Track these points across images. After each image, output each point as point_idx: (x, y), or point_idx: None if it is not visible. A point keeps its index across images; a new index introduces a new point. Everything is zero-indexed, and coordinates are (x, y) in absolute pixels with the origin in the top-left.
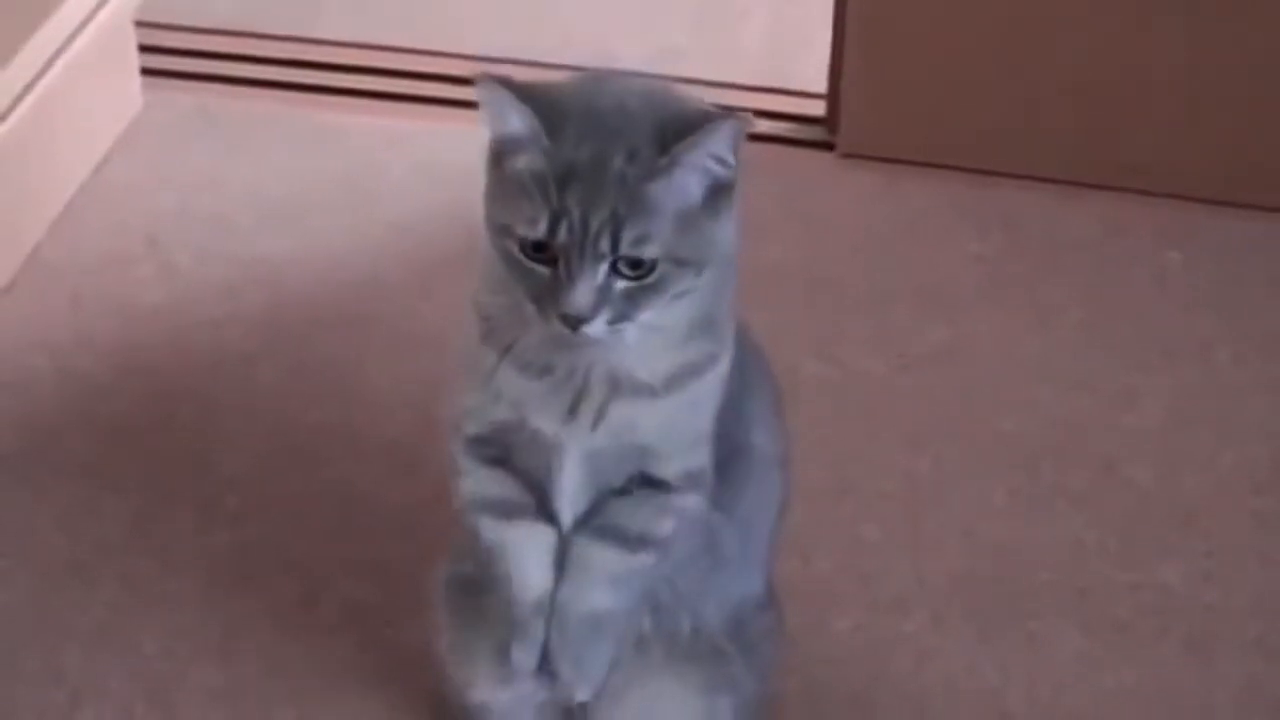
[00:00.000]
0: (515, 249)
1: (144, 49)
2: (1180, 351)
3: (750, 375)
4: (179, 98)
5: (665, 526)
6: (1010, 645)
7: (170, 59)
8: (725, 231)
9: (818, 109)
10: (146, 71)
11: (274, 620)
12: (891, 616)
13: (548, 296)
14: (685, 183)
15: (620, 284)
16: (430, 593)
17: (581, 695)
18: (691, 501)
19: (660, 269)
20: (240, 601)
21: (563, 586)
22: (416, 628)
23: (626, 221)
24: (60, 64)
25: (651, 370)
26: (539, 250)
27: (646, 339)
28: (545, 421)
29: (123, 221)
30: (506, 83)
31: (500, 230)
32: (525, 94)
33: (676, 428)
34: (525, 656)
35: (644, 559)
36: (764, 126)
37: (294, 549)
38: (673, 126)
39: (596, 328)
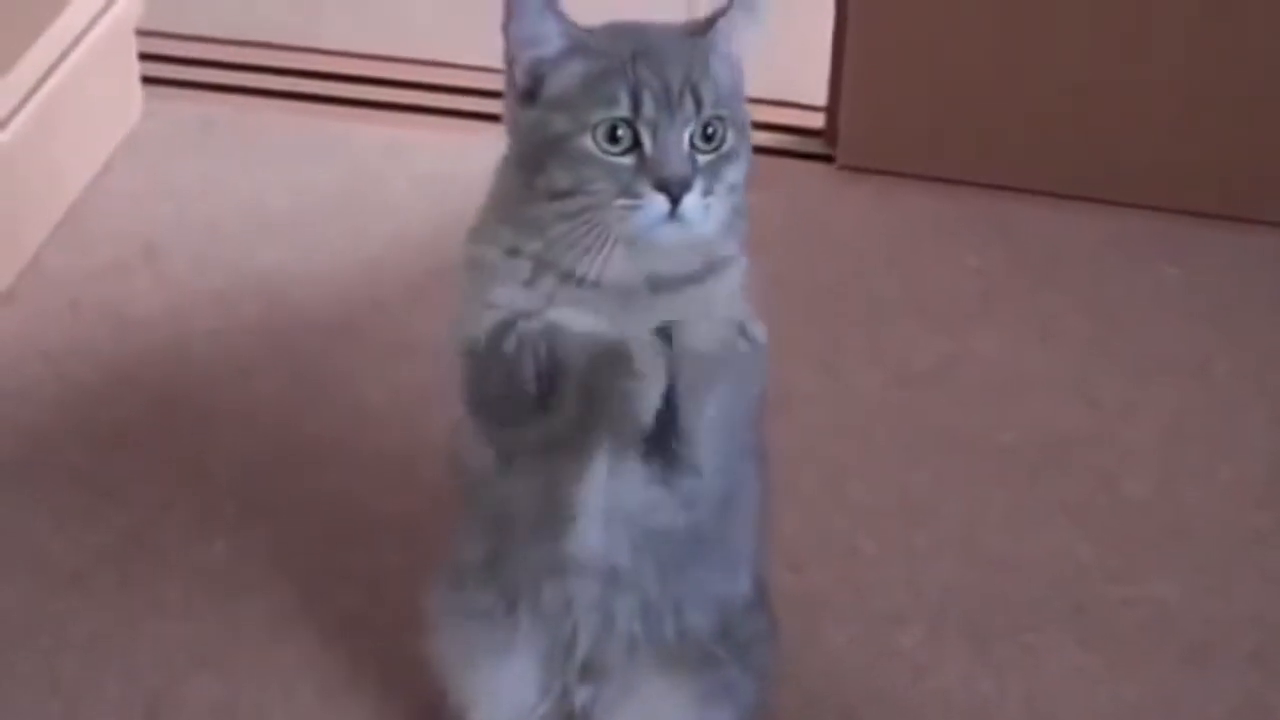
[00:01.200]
0: (591, 144)
1: (145, 57)
2: (1179, 366)
3: None
4: (179, 106)
5: (759, 331)
6: (1006, 659)
7: (171, 68)
8: (747, 119)
9: (817, 122)
10: (147, 80)
11: (270, 629)
12: (887, 630)
13: (636, 178)
14: (723, 65)
15: (701, 157)
16: (424, 613)
17: (697, 457)
18: (760, 328)
19: (730, 138)
20: (237, 610)
21: (674, 340)
22: (412, 638)
23: (701, 84)
24: (61, 72)
25: (685, 266)
26: (614, 142)
27: (715, 229)
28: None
29: (122, 230)
30: None
31: (566, 133)
32: (555, 7)
33: (722, 305)
34: (644, 400)
35: (750, 346)
36: (763, 139)
37: (290, 558)
38: (704, 16)
39: (694, 200)
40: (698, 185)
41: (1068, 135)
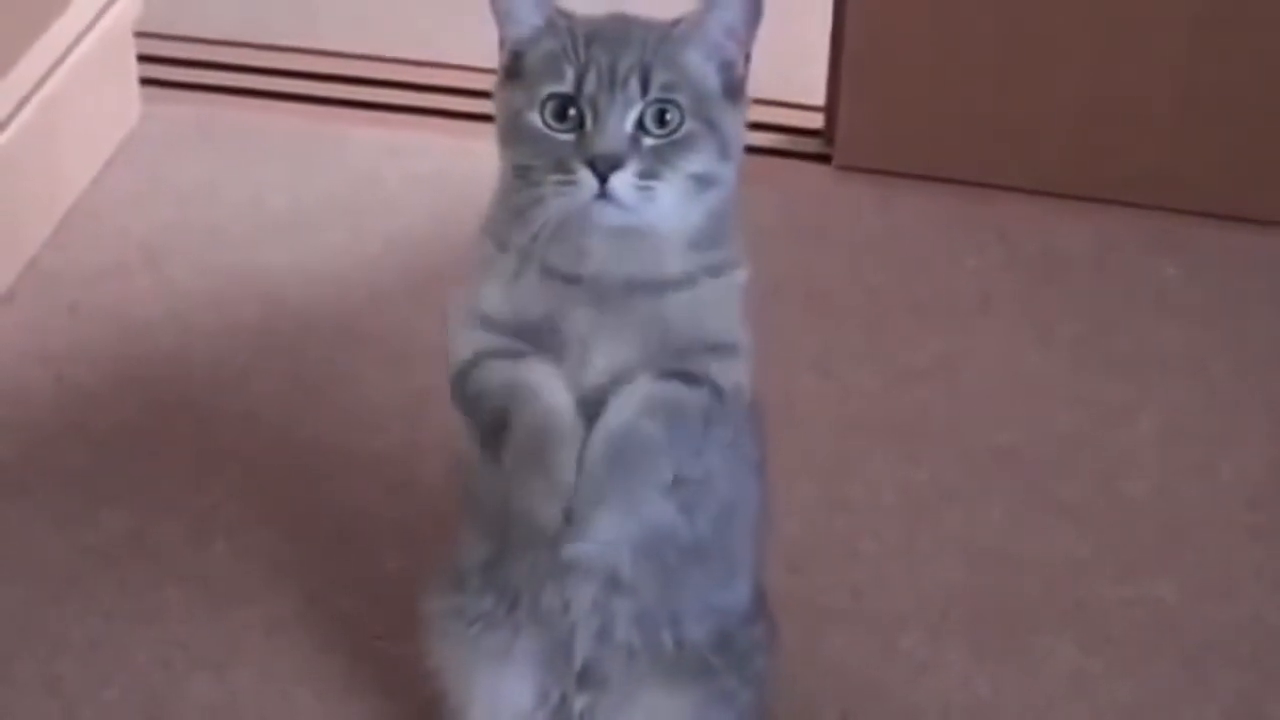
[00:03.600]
0: (538, 120)
1: (143, 59)
2: (1177, 365)
3: None
4: (178, 108)
5: (726, 375)
6: (1005, 660)
7: (169, 69)
8: (739, 128)
9: (815, 121)
10: (146, 81)
11: (269, 632)
12: (886, 630)
13: (573, 152)
14: (704, 61)
15: (648, 140)
16: (424, 618)
17: (588, 532)
18: (736, 365)
19: (687, 126)
20: (235, 613)
21: (603, 417)
22: (412, 642)
23: (655, 68)
24: (60, 74)
25: (667, 269)
26: (562, 119)
27: (660, 240)
28: (570, 326)
29: (121, 232)
30: None
31: (520, 109)
32: None
33: (703, 313)
34: (551, 504)
35: (699, 397)
36: (761, 139)
37: (289, 562)
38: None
39: (625, 181)
40: (630, 166)
41: (1066, 135)
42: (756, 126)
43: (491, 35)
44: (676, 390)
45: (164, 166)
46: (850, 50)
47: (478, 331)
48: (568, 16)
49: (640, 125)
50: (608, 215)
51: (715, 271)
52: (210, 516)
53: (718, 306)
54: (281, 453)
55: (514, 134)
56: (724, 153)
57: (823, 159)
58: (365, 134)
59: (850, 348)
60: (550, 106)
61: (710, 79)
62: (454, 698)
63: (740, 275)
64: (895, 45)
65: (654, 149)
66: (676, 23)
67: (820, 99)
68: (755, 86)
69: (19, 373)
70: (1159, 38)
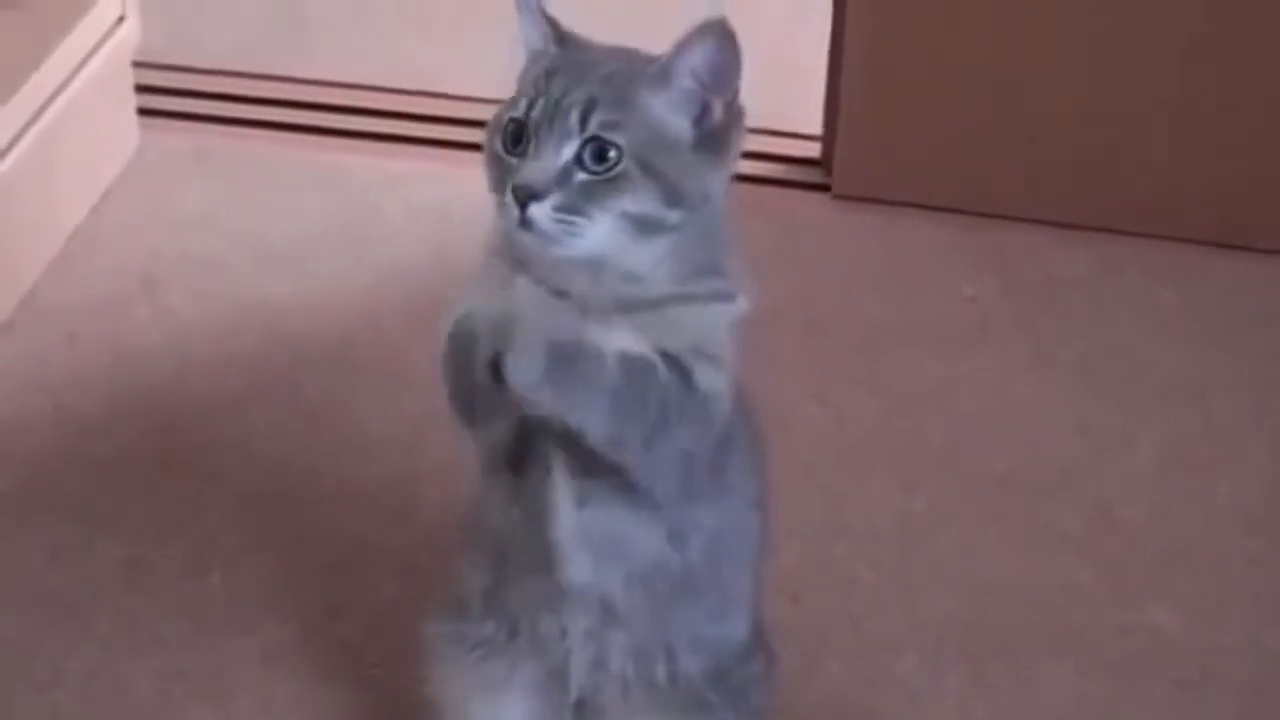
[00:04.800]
0: (498, 143)
1: (141, 89)
2: (1175, 392)
3: (734, 415)
4: (176, 138)
5: (703, 375)
6: (1003, 686)
7: (168, 99)
8: (713, 180)
9: (813, 151)
10: (144, 111)
11: (267, 662)
12: (884, 658)
13: (507, 174)
14: (671, 108)
15: (581, 175)
16: (424, 644)
17: (522, 376)
18: (719, 376)
19: (625, 168)
20: (233, 643)
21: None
22: (410, 670)
23: (600, 105)
24: (58, 104)
25: (654, 292)
26: (515, 143)
27: (623, 268)
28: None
29: (119, 261)
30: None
31: (492, 131)
32: (547, 14)
33: (692, 330)
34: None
35: (667, 375)
36: (759, 168)
37: (288, 590)
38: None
39: (544, 211)
40: (550, 199)
41: (1064, 163)
42: (754, 156)
43: (491, 66)
44: (651, 358)
45: (162, 196)
46: (848, 79)
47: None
48: (563, 42)
49: (580, 160)
50: (529, 242)
51: (704, 299)
52: (208, 545)
53: (705, 324)
54: (279, 481)
55: (485, 152)
56: (671, 200)
57: (821, 188)
58: (364, 164)
59: (848, 375)
60: (508, 131)
61: (677, 128)
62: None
63: (736, 305)
64: (893, 74)
65: (583, 185)
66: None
67: (818, 128)
68: (754, 116)
69: (17, 402)
70: (1156, 66)
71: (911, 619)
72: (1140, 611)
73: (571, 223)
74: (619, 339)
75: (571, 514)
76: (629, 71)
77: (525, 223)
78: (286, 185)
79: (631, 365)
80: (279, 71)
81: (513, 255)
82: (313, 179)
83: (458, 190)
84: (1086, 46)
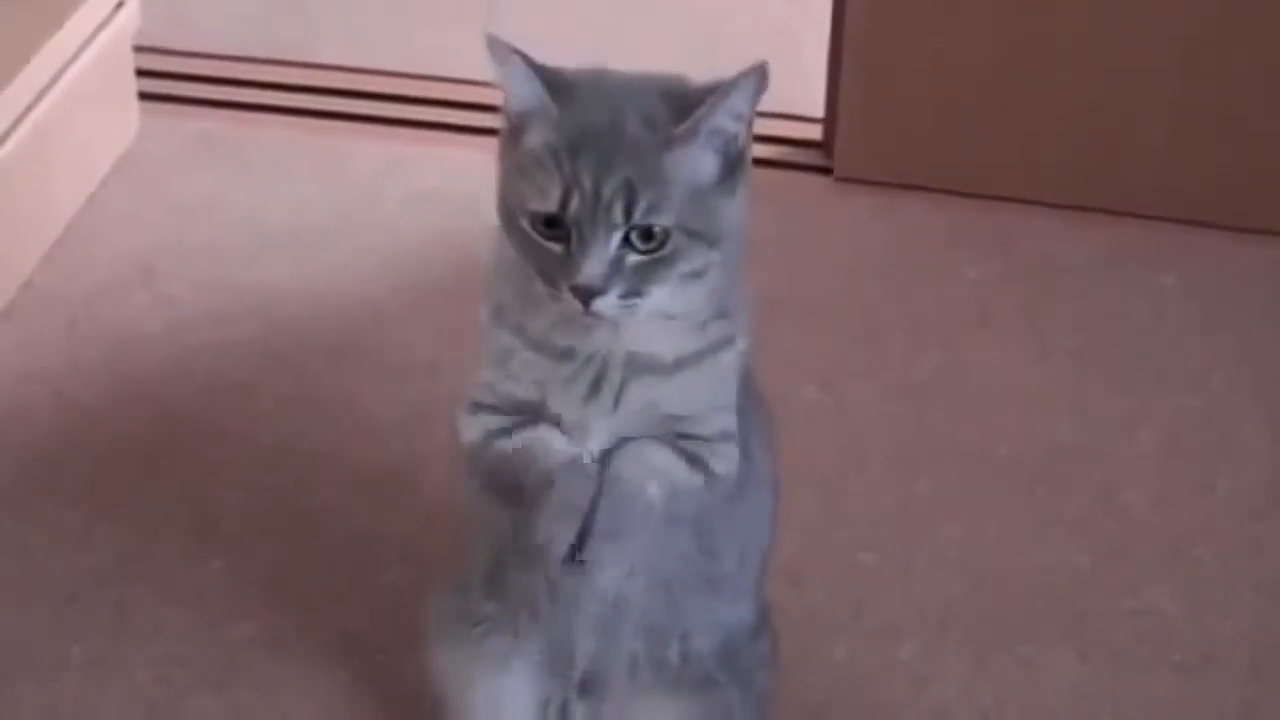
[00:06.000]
0: (528, 226)
1: (142, 74)
2: (1177, 377)
3: (744, 398)
4: (176, 123)
5: (718, 461)
6: (1005, 672)
7: (168, 84)
8: (738, 208)
9: (815, 133)
10: (144, 96)
11: (269, 648)
12: (886, 643)
13: (559, 271)
14: (702, 154)
15: (633, 257)
16: (427, 621)
17: (600, 558)
18: (730, 453)
19: (673, 241)
20: (235, 629)
21: (612, 463)
22: (412, 656)
23: (640, 189)
24: (58, 89)
25: (668, 350)
26: (551, 226)
27: (662, 321)
28: (566, 406)
29: (119, 248)
30: (515, 50)
31: (513, 210)
32: (533, 64)
33: (700, 397)
34: (563, 527)
35: (695, 479)
36: (760, 151)
37: (289, 576)
38: (690, 94)
39: (608, 302)
40: (614, 290)
41: (1065, 147)
42: (756, 139)
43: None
44: (676, 465)
45: (163, 182)
46: (849, 63)
47: (481, 415)
48: (560, 94)
49: (626, 240)
50: (594, 323)
51: (713, 351)
52: (209, 533)
53: (714, 388)
54: (280, 468)
55: (509, 229)
56: (713, 244)
57: (823, 171)
58: (366, 149)
59: (849, 360)
60: (538, 218)
61: (708, 167)
62: (454, 702)
63: (738, 346)
64: (894, 58)
65: (637, 267)
66: (680, 107)
67: (820, 111)
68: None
69: (17, 391)
70: (1157, 50)
71: (913, 604)
72: (1142, 597)
73: (633, 305)
74: (647, 450)
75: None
76: (657, 131)
77: (590, 313)
78: (287, 170)
79: (664, 481)
80: (279, 56)
81: (517, 320)
82: (313, 164)
83: (459, 174)
84: (1088, 30)
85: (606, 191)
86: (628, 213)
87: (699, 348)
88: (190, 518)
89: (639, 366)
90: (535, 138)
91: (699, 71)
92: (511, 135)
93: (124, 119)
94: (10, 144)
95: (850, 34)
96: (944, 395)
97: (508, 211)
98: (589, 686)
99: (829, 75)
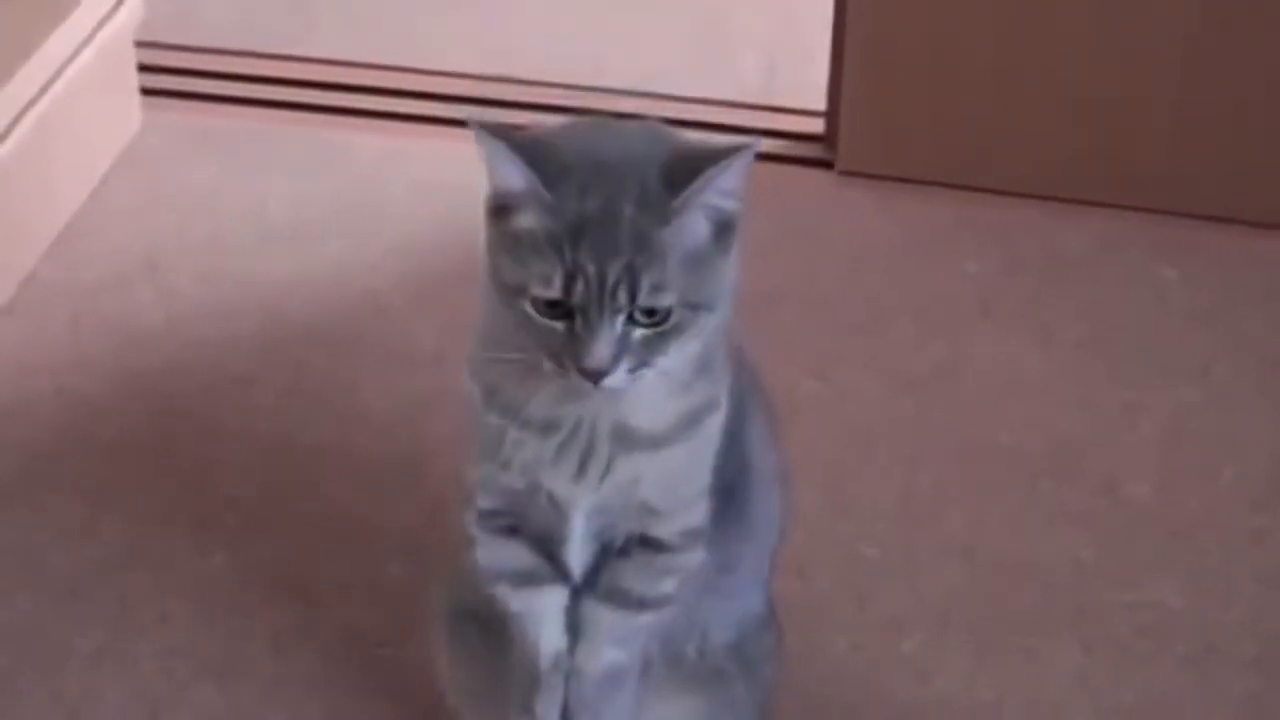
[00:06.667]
0: (529, 308)
1: (143, 68)
2: (1178, 368)
3: (746, 394)
4: (178, 117)
5: (666, 586)
6: (1008, 663)
7: (169, 78)
8: (730, 269)
9: (816, 127)
10: (146, 91)
11: (272, 641)
12: (889, 635)
13: (566, 352)
14: (696, 224)
15: (638, 332)
16: (430, 621)
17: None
18: (692, 560)
19: (676, 315)
20: (239, 622)
21: (578, 649)
22: (415, 648)
23: (642, 272)
24: (60, 84)
25: (656, 419)
26: (553, 307)
27: (657, 384)
28: (557, 481)
29: (122, 242)
30: (500, 132)
31: (512, 290)
32: (520, 146)
33: (679, 480)
34: (547, 710)
35: (648, 618)
36: (762, 145)
37: (292, 569)
38: (681, 168)
39: (617, 379)
40: (622, 367)
41: (1066, 139)
42: (759, 132)
43: (492, 41)
44: (634, 620)
45: (165, 176)
46: (851, 56)
47: (482, 531)
48: (549, 174)
49: (631, 318)
50: (599, 397)
51: (696, 421)
52: (212, 526)
53: (694, 467)
54: (283, 461)
55: (506, 303)
56: (710, 310)
57: (824, 164)
58: (367, 142)
59: (851, 352)
60: (540, 302)
61: (702, 233)
62: (455, 694)
63: (720, 414)
64: (896, 51)
65: (643, 341)
66: (674, 179)
67: (821, 105)
68: (758, 92)
69: (20, 384)
70: (1158, 41)
71: (917, 596)
72: (1145, 588)
73: (640, 376)
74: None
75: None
76: (652, 208)
77: (600, 389)
78: (289, 164)
79: (631, 638)
80: (281, 50)
81: (506, 401)
82: (315, 158)
83: (461, 167)
84: (1089, 23)
85: (611, 277)
86: (632, 296)
87: (686, 411)
88: (193, 511)
89: (627, 439)
90: (528, 220)
91: (702, 67)
92: (498, 211)
93: (126, 114)
94: (13, 139)
95: (852, 28)
96: (946, 387)
97: (504, 287)
98: None
99: (831, 69)
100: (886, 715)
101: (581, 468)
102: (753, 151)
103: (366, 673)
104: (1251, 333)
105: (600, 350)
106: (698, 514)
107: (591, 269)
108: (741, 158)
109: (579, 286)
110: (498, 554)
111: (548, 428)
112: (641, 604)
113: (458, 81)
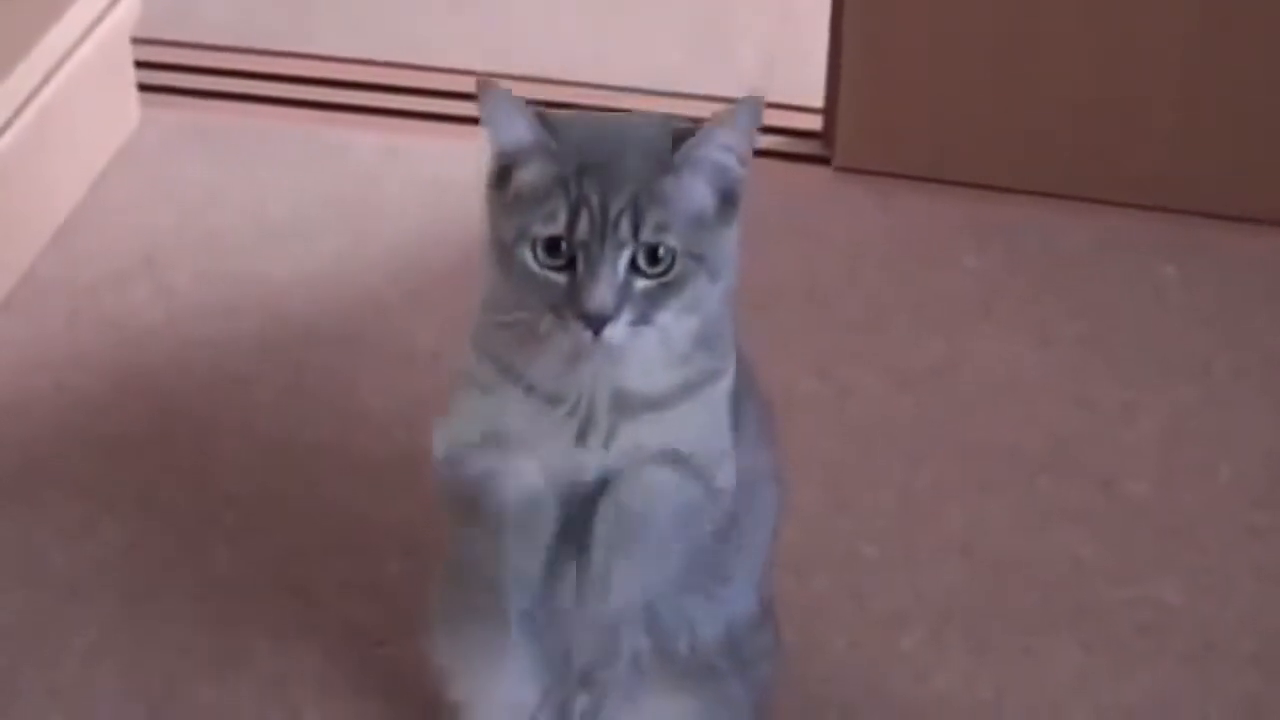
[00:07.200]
0: (529, 257)
1: (141, 65)
2: (1178, 366)
3: (741, 391)
4: (176, 114)
5: (718, 475)
6: (1007, 662)
7: (167, 75)
8: (733, 243)
9: (814, 123)
10: (143, 88)
11: (271, 638)
12: (888, 633)
13: (566, 300)
14: (699, 185)
15: (640, 282)
16: (427, 611)
17: (604, 599)
18: (731, 468)
19: (679, 265)
20: (237, 620)
21: (609, 490)
22: (415, 646)
23: (647, 209)
24: (57, 80)
25: (654, 385)
26: (554, 255)
27: (655, 351)
28: (556, 450)
29: (120, 239)
30: (510, 92)
31: (513, 241)
32: (528, 105)
33: (692, 432)
34: (527, 561)
35: (696, 489)
36: (760, 141)
37: (291, 567)
38: (684, 130)
39: (619, 329)
40: (624, 316)
41: (1065, 136)
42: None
43: (490, 37)
44: (676, 481)
45: (162, 173)
46: (849, 52)
47: (454, 432)
48: (557, 131)
49: (633, 264)
50: (600, 355)
51: (698, 387)
52: (210, 524)
53: (707, 421)
54: (282, 459)
55: (505, 264)
56: (713, 276)
57: (822, 161)
58: (365, 139)
59: (850, 350)
60: (542, 245)
61: (705, 199)
62: (453, 693)
63: (724, 384)
64: (894, 47)
65: (646, 292)
66: (676, 138)
67: (819, 101)
68: (755, 88)
69: (18, 382)
70: (1159, 38)
71: (915, 594)
72: (1144, 586)
73: (641, 332)
74: (646, 473)
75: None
76: (656, 158)
77: (598, 340)
78: (287, 161)
79: (679, 515)
80: (279, 47)
81: (504, 361)
82: (313, 154)
83: (459, 164)
84: (1088, 19)
85: (614, 210)
86: (635, 230)
87: (683, 381)
88: (191, 509)
89: (626, 406)
90: (532, 172)
91: (700, 63)
92: (500, 175)
93: (124, 110)
94: (10, 135)
95: (850, 24)
96: (945, 385)
97: (502, 248)
98: (589, 679)
99: (829, 65)
100: (885, 713)
101: (582, 436)
102: (756, 107)
103: (365, 671)
104: (1251, 331)
105: (602, 291)
106: (723, 442)
107: (595, 201)
108: (744, 109)
109: (582, 221)
110: (463, 435)
111: (548, 399)
112: (698, 471)
113: (455, 78)
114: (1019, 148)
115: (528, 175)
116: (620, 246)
